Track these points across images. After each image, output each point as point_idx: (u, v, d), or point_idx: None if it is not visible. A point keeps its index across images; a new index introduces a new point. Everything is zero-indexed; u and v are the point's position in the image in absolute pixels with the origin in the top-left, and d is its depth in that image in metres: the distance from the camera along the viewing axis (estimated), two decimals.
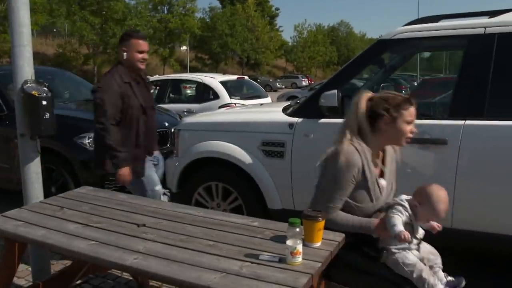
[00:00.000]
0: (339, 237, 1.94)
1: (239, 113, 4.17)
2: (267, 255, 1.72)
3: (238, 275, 1.59)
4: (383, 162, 2.20)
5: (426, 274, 1.96)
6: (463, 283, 2.03)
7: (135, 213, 2.32)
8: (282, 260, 1.68)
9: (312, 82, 37.51)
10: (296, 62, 56.48)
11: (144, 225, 2.13)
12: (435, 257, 2.15)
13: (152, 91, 3.70)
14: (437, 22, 3.13)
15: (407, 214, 2.03)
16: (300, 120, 3.30)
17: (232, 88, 8.37)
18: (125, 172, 3.06)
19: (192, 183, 3.79)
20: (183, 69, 41.62)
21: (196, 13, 42.02)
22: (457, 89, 3.03)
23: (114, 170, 3.06)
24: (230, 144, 3.54)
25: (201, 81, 8.25)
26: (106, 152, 3.02)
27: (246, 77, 10.06)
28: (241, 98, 8.14)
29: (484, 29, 2.91)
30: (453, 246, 3.19)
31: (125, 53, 3.12)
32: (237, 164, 3.49)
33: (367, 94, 2.13)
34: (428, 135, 2.97)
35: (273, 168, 3.36)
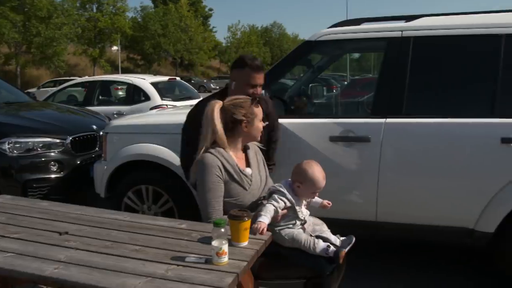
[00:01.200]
0: (265, 235, 1.96)
1: (170, 115, 4.11)
2: (194, 256, 1.71)
3: (163, 279, 1.57)
4: (246, 156, 2.41)
5: (306, 237, 2.20)
6: (353, 240, 2.26)
7: (57, 221, 2.21)
8: (208, 261, 1.67)
9: None
10: (230, 63, 56.49)
11: (66, 233, 2.04)
12: (320, 226, 2.35)
13: None
14: (359, 25, 3.27)
15: (285, 199, 2.17)
16: None
17: (164, 90, 8.24)
18: None
19: (121, 187, 3.69)
20: (115, 70, 40.26)
21: (127, 12, 40.76)
22: (378, 88, 3.19)
23: None
24: (161, 147, 3.48)
25: (131, 82, 8.04)
26: None
27: (178, 78, 9.93)
28: (173, 100, 8.04)
29: (401, 32, 3.09)
30: (378, 237, 3.36)
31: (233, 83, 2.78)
32: (168, 167, 3.44)
33: (218, 104, 2.28)
34: (353, 133, 3.10)
35: None
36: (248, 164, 2.38)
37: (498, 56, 2.93)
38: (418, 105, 3.09)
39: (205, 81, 42.50)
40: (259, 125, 2.35)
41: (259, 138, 2.40)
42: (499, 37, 2.93)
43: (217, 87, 38.86)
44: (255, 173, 2.36)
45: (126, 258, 1.75)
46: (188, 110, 3.07)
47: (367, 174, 3.10)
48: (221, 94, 2.79)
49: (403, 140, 3.04)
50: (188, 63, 51.58)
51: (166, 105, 7.39)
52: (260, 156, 2.51)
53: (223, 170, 2.21)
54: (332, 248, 2.17)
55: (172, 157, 3.40)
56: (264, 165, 2.49)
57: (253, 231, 1.96)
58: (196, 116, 2.64)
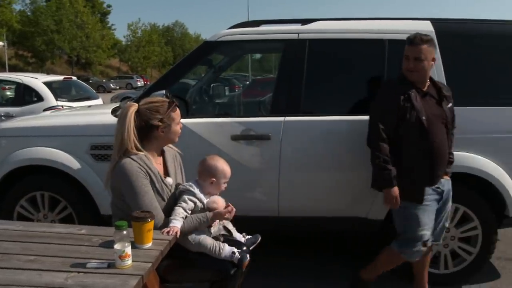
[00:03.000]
0: (168, 236, 1.96)
1: (65, 116, 3.89)
2: (95, 262, 1.66)
3: None
4: (164, 161, 2.35)
5: (212, 242, 2.20)
6: (259, 238, 2.37)
7: None
8: (111, 265, 1.63)
9: (148, 83, 36.82)
10: (130, 62, 54.78)
11: None
12: (226, 225, 2.38)
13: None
14: (258, 26, 3.37)
15: (195, 199, 2.20)
16: None
17: (59, 90, 7.75)
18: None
19: (12, 195, 3.42)
20: (1, 67, 36.87)
21: (14, 4, 37.54)
22: (277, 88, 3.32)
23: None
24: (55, 150, 3.29)
25: (20, 81, 7.43)
26: None
27: (74, 78, 9.39)
28: (69, 100, 7.60)
29: (297, 35, 3.25)
30: (282, 232, 3.50)
31: None
32: (64, 171, 3.26)
33: (133, 108, 2.20)
34: (254, 131, 3.20)
35: (104, 173, 3.22)
36: (166, 171, 2.33)
37: (383, 59, 3.22)
38: (314, 103, 3.27)
39: (104, 80, 40.65)
40: (177, 128, 2.28)
41: (176, 140, 2.34)
42: (383, 42, 3.22)
43: (117, 87, 37.44)
44: (174, 182, 2.32)
45: (19, 270, 1.64)
46: (84, 111, 2.94)
47: (269, 171, 3.22)
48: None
49: (301, 137, 3.20)
50: (86, 62, 48.95)
51: (62, 106, 6.96)
52: (178, 160, 2.46)
53: (147, 176, 2.15)
54: (237, 254, 2.21)
55: (69, 161, 3.23)
56: (181, 170, 2.46)
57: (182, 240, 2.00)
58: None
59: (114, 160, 2.18)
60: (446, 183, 2.87)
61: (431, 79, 2.83)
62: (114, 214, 2.26)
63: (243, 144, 3.21)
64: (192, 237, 2.17)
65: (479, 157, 3.17)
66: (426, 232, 2.80)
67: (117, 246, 1.63)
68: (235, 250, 2.21)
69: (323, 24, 3.32)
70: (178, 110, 2.30)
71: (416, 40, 2.68)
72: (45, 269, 1.64)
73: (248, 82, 15.95)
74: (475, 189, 3.25)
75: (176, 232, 2.03)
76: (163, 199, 2.20)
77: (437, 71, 3.17)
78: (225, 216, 2.23)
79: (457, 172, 3.14)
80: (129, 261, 1.63)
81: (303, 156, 3.20)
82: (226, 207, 2.24)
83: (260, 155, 3.20)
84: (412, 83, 2.76)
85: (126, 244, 1.63)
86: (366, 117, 3.17)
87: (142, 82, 38.61)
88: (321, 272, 3.54)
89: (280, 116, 3.21)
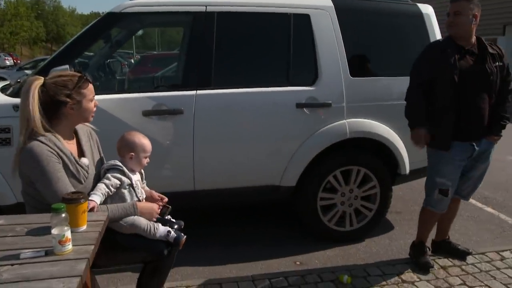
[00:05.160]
0: (102, 216, 1.86)
1: None
2: (29, 251, 1.51)
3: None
4: (78, 141, 2.17)
5: (146, 222, 2.14)
6: (182, 224, 2.36)
7: None
8: (49, 252, 1.50)
9: (19, 61, 33.13)
10: None
11: None
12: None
13: None
14: None
15: (120, 175, 2.12)
16: None
17: None
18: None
19: None
20: None
21: None
22: (187, 62, 3.26)
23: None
24: None
25: None
26: None
27: None
28: None
29: (205, 7, 3.21)
30: (198, 205, 3.50)
31: None
32: None
33: (38, 82, 1.97)
34: (166, 106, 3.12)
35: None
36: (81, 152, 2.13)
37: (288, 32, 3.34)
38: (225, 76, 3.28)
39: None
40: (89, 105, 2.07)
41: (90, 119, 2.13)
42: (288, 16, 3.33)
43: None
44: (91, 162, 2.13)
45: None
46: None
47: (183, 145, 3.18)
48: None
49: (213, 110, 3.20)
50: None
51: None
52: (94, 139, 2.26)
53: (59, 158, 1.94)
54: (172, 233, 2.17)
55: None
56: (99, 149, 2.28)
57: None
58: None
59: (20, 144, 1.94)
60: (485, 143, 2.95)
61: (478, 38, 2.93)
62: (26, 202, 2.05)
63: (155, 120, 3.12)
64: (125, 218, 2.08)
65: (375, 122, 3.49)
66: (443, 181, 2.95)
67: (55, 231, 1.51)
68: (170, 229, 2.18)
69: None
70: (90, 86, 2.08)
71: None
72: None
73: (133, 60, 15.30)
74: (372, 152, 3.58)
75: (94, 206, 1.94)
76: (80, 182, 2.01)
77: (337, 44, 3.40)
78: (156, 212, 2.19)
79: (357, 137, 3.44)
80: (69, 246, 1.52)
81: (216, 128, 3.22)
82: (158, 201, 2.24)
83: (173, 130, 3.15)
84: (454, 42, 2.87)
85: (65, 228, 1.52)
86: (276, 88, 3.32)
87: (12, 61, 34.51)
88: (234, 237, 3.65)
89: (192, 90, 3.18)
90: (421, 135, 2.92)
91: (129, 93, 3.23)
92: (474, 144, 2.91)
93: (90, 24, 3.28)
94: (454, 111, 2.83)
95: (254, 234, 3.79)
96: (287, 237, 3.73)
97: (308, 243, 3.60)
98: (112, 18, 3.17)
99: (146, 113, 3.10)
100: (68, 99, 1.98)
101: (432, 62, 2.86)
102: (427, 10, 3.73)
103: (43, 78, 2.00)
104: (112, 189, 2.07)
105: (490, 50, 2.87)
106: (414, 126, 2.96)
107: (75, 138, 2.14)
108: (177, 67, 4.85)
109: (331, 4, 3.43)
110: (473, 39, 2.88)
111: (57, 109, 1.99)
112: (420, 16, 3.66)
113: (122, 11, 3.12)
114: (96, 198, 1.98)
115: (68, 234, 1.52)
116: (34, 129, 1.92)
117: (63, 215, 1.53)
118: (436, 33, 3.68)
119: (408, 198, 4.67)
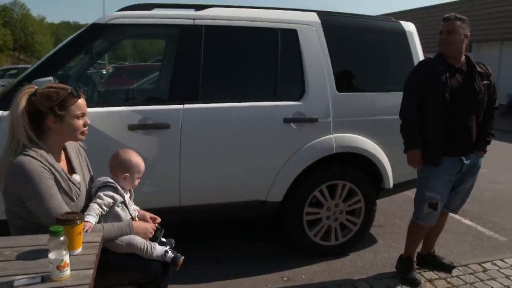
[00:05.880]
0: (97, 237, 1.78)
1: None
2: (23, 278, 1.43)
3: None
4: (67, 157, 2.08)
5: (142, 241, 2.06)
6: (173, 243, 2.26)
7: None
8: (46, 278, 1.42)
9: None
10: None
11: None
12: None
13: None
14: (150, 10, 3.19)
15: (113, 193, 2.06)
16: (6, 113, 2.82)
17: None
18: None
19: None
20: None
21: None
22: (174, 75, 3.20)
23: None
24: None
25: None
26: None
27: None
28: None
29: (193, 20, 3.17)
30: (183, 221, 3.42)
31: None
32: None
33: (28, 90, 1.90)
34: (151, 120, 3.05)
35: None
36: (71, 169, 2.05)
37: (276, 47, 3.34)
38: (212, 90, 3.25)
39: None
40: (76, 123, 1.93)
41: (79, 138, 2.00)
42: (276, 31, 3.33)
43: None
44: (81, 179, 2.05)
45: None
46: None
47: (169, 160, 3.12)
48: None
49: (201, 124, 3.16)
50: None
51: None
52: (83, 155, 2.17)
53: (52, 175, 1.85)
54: (170, 253, 2.10)
55: None
56: (88, 166, 2.19)
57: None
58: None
59: (7, 158, 1.84)
60: (474, 158, 3.02)
61: (467, 57, 3.00)
62: (11, 223, 1.94)
63: (140, 134, 3.05)
64: (121, 237, 2.00)
65: (361, 137, 3.52)
66: (433, 195, 2.99)
67: (52, 256, 1.42)
68: (167, 249, 2.11)
69: (218, 11, 3.29)
70: (80, 102, 1.94)
71: (451, 16, 2.90)
72: None
73: (104, 71, 14.95)
74: (357, 166, 3.60)
75: (90, 228, 1.86)
76: (72, 199, 1.92)
77: (324, 60, 3.43)
78: (150, 232, 2.13)
79: (344, 152, 3.46)
80: (68, 271, 1.44)
81: (203, 143, 3.17)
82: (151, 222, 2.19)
83: (160, 145, 3.08)
84: (445, 60, 2.93)
85: (64, 252, 1.44)
86: (264, 103, 3.30)
87: None
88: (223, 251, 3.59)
89: (179, 104, 3.12)
90: (418, 156, 2.98)
91: (114, 106, 3.14)
92: (463, 158, 2.97)
93: (73, 35, 3.20)
94: (444, 127, 2.88)
95: (239, 250, 3.74)
96: (272, 252, 3.70)
97: (294, 258, 3.57)
98: (97, 29, 3.09)
99: (132, 127, 3.02)
100: (49, 112, 1.88)
101: (424, 79, 2.91)
102: (409, 27, 3.81)
103: (35, 87, 1.93)
104: (105, 208, 2.00)
105: (478, 69, 2.95)
106: (410, 148, 3.01)
107: (64, 154, 2.05)
108: (159, 79, 4.77)
109: (318, 20, 3.46)
110: (463, 58, 2.96)
111: (41, 121, 1.89)
112: (403, 33, 3.74)
113: (108, 23, 3.05)
114: (91, 218, 1.90)
115: (66, 258, 1.44)
116: (19, 139, 1.83)
117: (62, 238, 1.45)
118: (418, 50, 3.76)
119: (388, 211, 4.73)
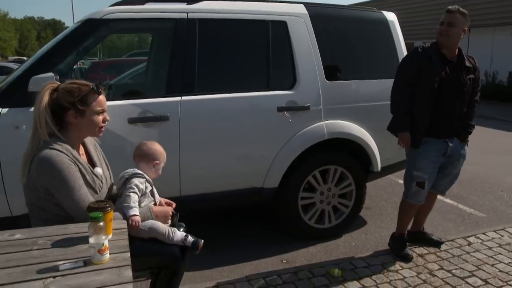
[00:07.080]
0: (122, 224, 1.87)
1: None
2: (66, 263, 1.50)
3: None
4: (87, 152, 2.15)
5: (163, 226, 2.16)
6: (184, 226, 2.36)
7: None
8: (87, 262, 1.50)
9: None
10: None
11: None
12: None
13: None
14: (143, 4, 3.23)
15: (144, 180, 2.17)
16: (5, 110, 2.83)
17: None
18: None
19: None
20: None
21: None
22: (171, 68, 3.25)
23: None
24: None
25: None
26: None
27: None
28: None
29: (186, 14, 3.23)
30: (184, 211, 3.50)
31: None
32: None
33: (51, 85, 1.97)
34: (151, 113, 3.11)
35: None
36: (92, 163, 2.10)
37: (267, 39, 3.44)
38: (208, 82, 3.32)
39: None
40: (95, 119, 2.00)
41: (98, 134, 2.07)
42: (267, 23, 3.43)
43: None
44: (103, 172, 2.12)
45: None
46: None
47: (169, 151, 3.16)
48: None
49: (198, 115, 3.23)
50: None
51: None
52: (99, 150, 2.23)
53: (77, 168, 1.91)
54: (190, 238, 2.18)
55: None
56: (105, 160, 2.23)
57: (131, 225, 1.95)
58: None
59: (32, 152, 1.89)
60: (458, 144, 3.24)
61: (460, 50, 3.14)
62: (34, 216, 1.98)
63: (141, 127, 3.10)
64: (143, 222, 2.08)
65: (350, 123, 3.67)
66: (420, 174, 3.18)
67: (93, 240, 1.50)
68: (186, 234, 2.19)
69: (210, 4, 3.36)
70: (100, 99, 2.01)
71: (454, 9, 3.02)
72: (7, 283, 1.42)
73: (79, 66, 14.58)
74: (347, 151, 3.76)
75: (138, 221, 1.99)
76: (96, 192, 1.99)
77: (313, 50, 3.55)
78: (169, 216, 2.24)
79: (334, 138, 3.60)
80: (107, 255, 1.52)
81: (201, 134, 3.25)
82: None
83: (159, 137, 3.13)
84: (439, 50, 3.07)
85: (103, 236, 1.52)
86: (258, 93, 3.41)
87: None
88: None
89: (177, 96, 3.19)
90: (407, 138, 3.16)
91: (114, 100, 3.17)
92: (447, 140, 3.18)
93: (68, 30, 3.21)
94: (429, 114, 3.09)
95: (231, 239, 3.83)
96: (268, 238, 3.82)
97: (290, 243, 3.71)
98: (92, 25, 3.11)
99: (132, 121, 3.07)
100: (71, 107, 1.94)
101: (418, 66, 3.07)
102: (391, 17, 3.98)
103: (58, 83, 2.00)
104: (140, 197, 2.11)
105: (467, 63, 3.14)
106: (401, 130, 3.19)
107: (83, 149, 2.12)
108: (150, 73, 4.79)
109: (306, 11, 3.58)
110: (456, 50, 3.13)
111: (62, 116, 1.95)
112: (385, 22, 3.90)
113: (103, 17, 3.08)
114: (137, 211, 2.04)
115: (106, 242, 1.52)
116: (40, 134, 1.89)
117: (101, 223, 1.53)
118: (400, 38, 3.94)
119: (374, 194, 4.93)
